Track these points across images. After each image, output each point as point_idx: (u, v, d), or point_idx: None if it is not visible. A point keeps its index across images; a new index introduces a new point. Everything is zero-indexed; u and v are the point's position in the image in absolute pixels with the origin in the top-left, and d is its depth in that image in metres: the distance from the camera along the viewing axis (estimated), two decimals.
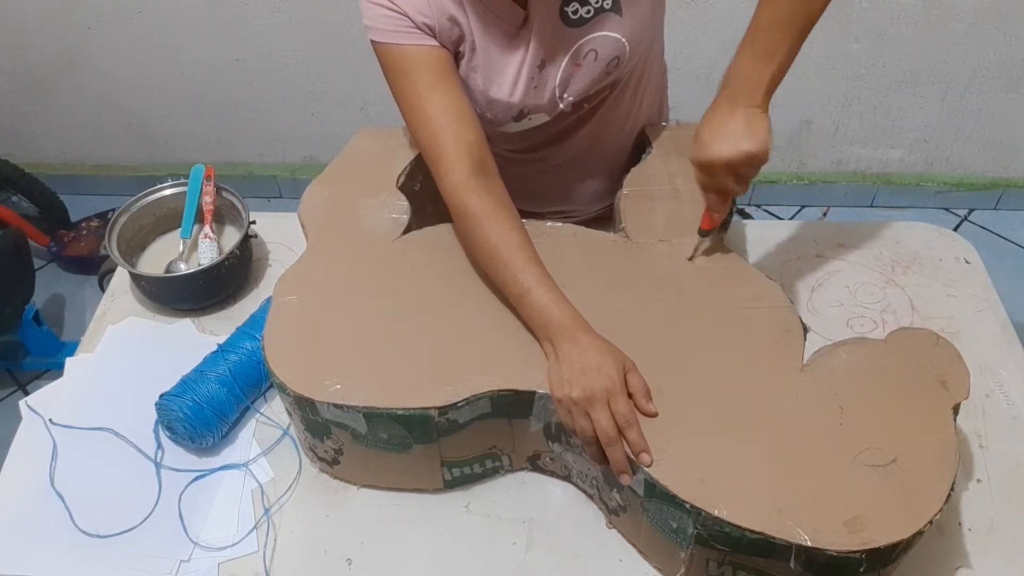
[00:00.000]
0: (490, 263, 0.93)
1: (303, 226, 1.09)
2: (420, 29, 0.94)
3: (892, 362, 0.89)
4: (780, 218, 2.47)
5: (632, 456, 0.81)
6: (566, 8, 0.97)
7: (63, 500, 0.99)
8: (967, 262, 1.22)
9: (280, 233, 1.30)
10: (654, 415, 0.84)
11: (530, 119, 1.06)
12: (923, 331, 0.92)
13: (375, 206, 1.10)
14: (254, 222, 1.23)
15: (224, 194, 1.28)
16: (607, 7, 0.98)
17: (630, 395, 0.84)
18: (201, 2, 2.14)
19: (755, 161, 0.88)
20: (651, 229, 1.05)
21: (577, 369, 0.84)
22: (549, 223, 1.06)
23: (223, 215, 1.30)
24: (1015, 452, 0.99)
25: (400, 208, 1.09)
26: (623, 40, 1.00)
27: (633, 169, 1.14)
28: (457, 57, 1.00)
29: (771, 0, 0.87)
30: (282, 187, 2.60)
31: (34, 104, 2.46)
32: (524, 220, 1.05)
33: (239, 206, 1.25)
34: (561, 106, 1.05)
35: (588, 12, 0.97)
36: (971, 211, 2.47)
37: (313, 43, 2.21)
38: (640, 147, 1.21)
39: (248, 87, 2.33)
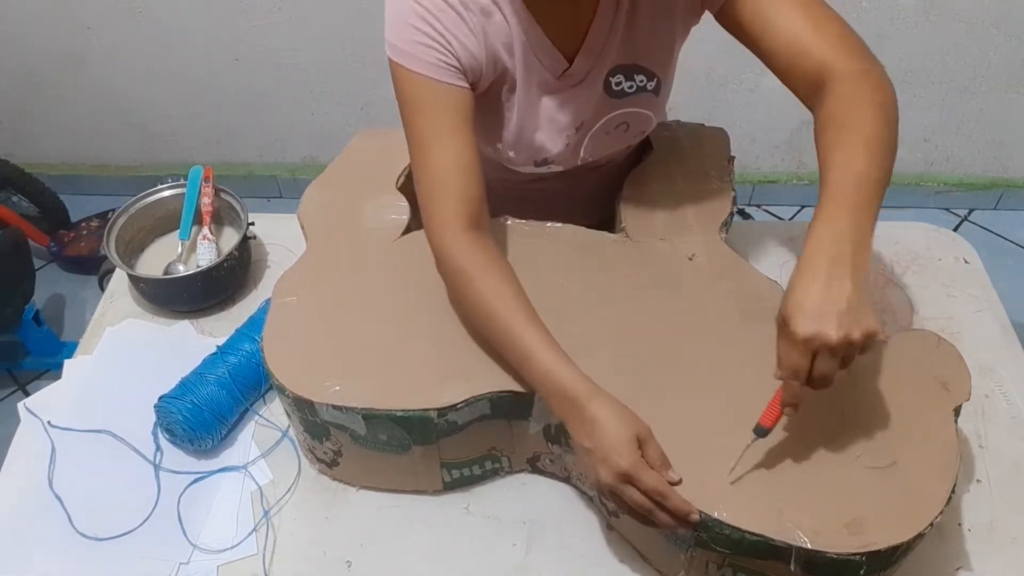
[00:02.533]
0: (487, 326, 0.88)
1: (303, 227, 1.09)
2: (458, 68, 0.89)
3: (893, 363, 0.89)
4: (780, 218, 2.47)
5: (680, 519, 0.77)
6: (611, 78, 0.97)
7: (62, 502, 0.99)
8: (967, 262, 1.21)
9: (279, 234, 1.30)
10: (678, 483, 0.78)
11: (549, 168, 1.05)
12: (924, 332, 0.92)
13: (375, 207, 1.10)
14: (253, 223, 1.23)
15: (223, 195, 1.28)
16: (649, 88, 0.99)
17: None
18: (201, 2, 2.14)
19: (867, 343, 0.72)
20: (651, 228, 1.05)
21: (592, 455, 0.79)
22: (549, 223, 1.06)
23: (222, 216, 1.30)
24: (1015, 452, 0.98)
25: (400, 209, 1.09)
26: (654, 119, 1.03)
27: (633, 169, 1.14)
28: (491, 93, 0.97)
29: (863, 153, 0.79)
30: (282, 187, 2.60)
31: (34, 104, 2.46)
32: (524, 221, 1.05)
33: (238, 207, 1.25)
34: (579, 163, 1.06)
35: (631, 87, 0.98)
36: (971, 211, 2.47)
37: (313, 43, 2.21)
38: (640, 148, 1.21)
39: (248, 87, 2.33)
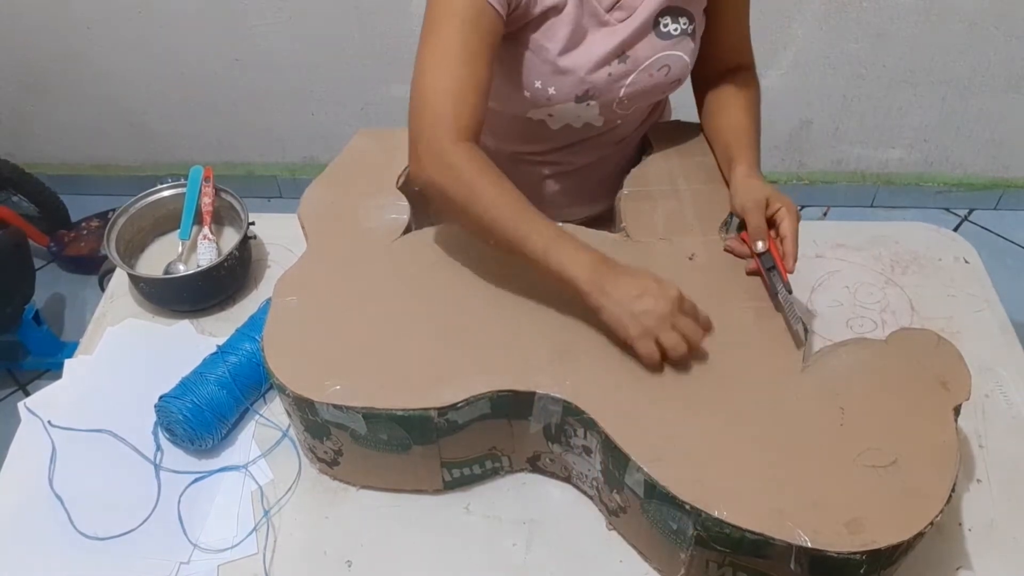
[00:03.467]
0: (493, 228, 0.89)
1: (303, 227, 1.09)
2: None
3: (893, 363, 0.89)
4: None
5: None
6: (660, 18, 1.01)
7: (62, 502, 0.99)
8: (967, 262, 1.21)
9: (279, 234, 1.30)
10: (711, 329, 0.90)
11: (588, 105, 1.05)
12: (924, 332, 0.92)
13: (375, 206, 1.10)
14: (253, 223, 1.23)
15: (223, 195, 1.28)
16: (688, 32, 1.03)
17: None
18: (201, 2, 2.14)
19: (790, 207, 0.98)
20: (652, 228, 1.05)
21: (644, 294, 0.87)
22: None
23: (222, 216, 1.30)
24: (1015, 452, 0.98)
25: (400, 208, 1.09)
26: (689, 65, 1.06)
27: (633, 169, 1.14)
28: (528, 27, 0.98)
29: (747, 113, 1.10)
30: (282, 187, 2.61)
31: (34, 104, 2.46)
32: None
33: (238, 207, 1.25)
34: (615, 107, 1.07)
35: (676, 30, 1.02)
36: (971, 211, 2.47)
37: (313, 43, 2.21)
38: (640, 147, 1.21)
39: (248, 87, 2.33)
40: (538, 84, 1.01)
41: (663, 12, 1.01)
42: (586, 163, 1.17)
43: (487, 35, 0.91)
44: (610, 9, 1.00)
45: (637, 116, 1.16)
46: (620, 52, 1.01)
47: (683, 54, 1.04)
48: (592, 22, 1.00)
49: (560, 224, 1.05)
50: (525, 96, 1.02)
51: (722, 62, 1.13)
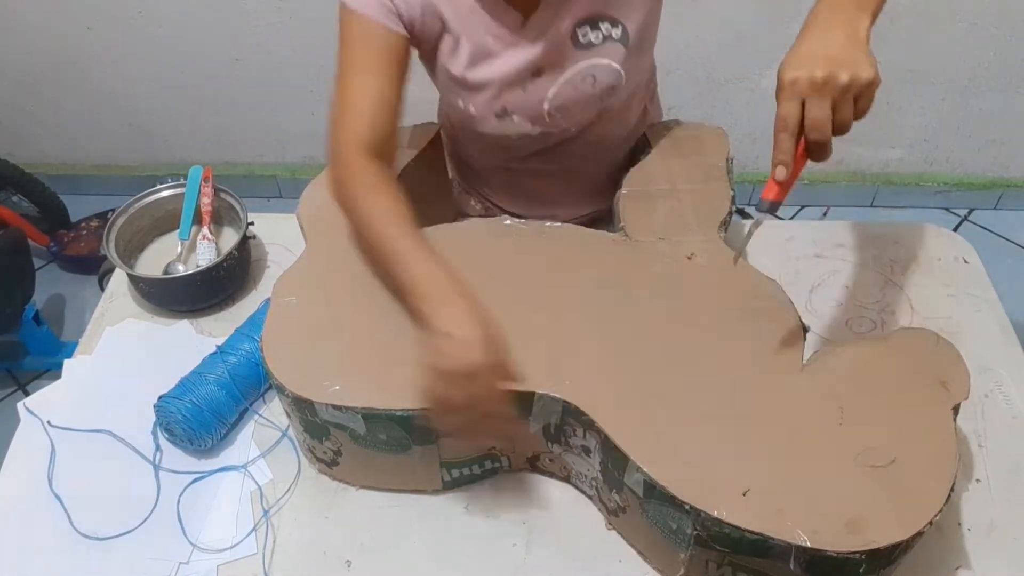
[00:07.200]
0: (367, 238, 0.91)
1: (302, 227, 1.09)
2: (396, 13, 0.94)
3: (892, 362, 0.89)
4: (780, 218, 2.46)
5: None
6: (577, 29, 0.96)
7: (61, 502, 0.99)
8: (966, 262, 1.22)
9: (279, 234, 1.30)
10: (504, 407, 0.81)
11: (513, 119, 1.04)
12: (923, 331, 0.92)
13: None
14: (252, 223, 1.23)
15: (222, 195, 1.28)
16: (616, 37, 0.98)
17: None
18: (201, 2, 2.14)
19: (861, 87, 0.73)
20: (651, 228, 1.05)
21: (450, 339, 0.79)
22: (548, 223, 1.06)
23: (221, 216, 1.30)
24: (1015, 452, 0.98)
25: None
26: (622, 72, 1.01)
27: (632, 169, 1.14)
28: (435, 48, 0.99)
29: None
30: (282, 187, 2.61)
31: (34, 104, 2.46)
32: (524, 221, 1.05)
33: (237, 207, 1.25)
34: (548, 120, 1.05)
35: (598, 38, 0.97)
36: (971, 211, 2.47)
37: (313, 43, 2.21)
38: (639, 147, 1.21)
39: (248, 87, 2.33)
40: (460, 103, 1.02)
41: (581, 23, 0.97)
42: (566, 168, 1.15)
43: (386, 53, 0.95)
44: (518, 29, 0.97)
45: (602, 122, 1.11)
46: (534, 68, 0.99)
47: (610, 61, 0.99)
48: (499, 44, 0.98)
49: (561, 224, 1.06)
50: (460, 113, 1.03)
51: None
